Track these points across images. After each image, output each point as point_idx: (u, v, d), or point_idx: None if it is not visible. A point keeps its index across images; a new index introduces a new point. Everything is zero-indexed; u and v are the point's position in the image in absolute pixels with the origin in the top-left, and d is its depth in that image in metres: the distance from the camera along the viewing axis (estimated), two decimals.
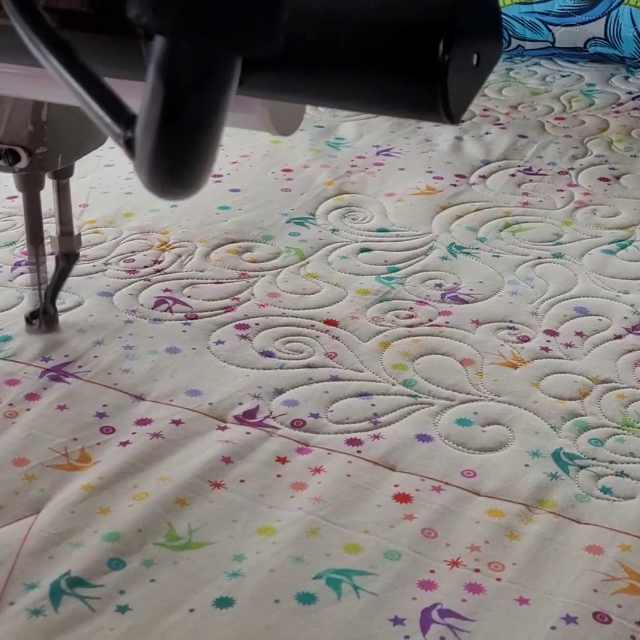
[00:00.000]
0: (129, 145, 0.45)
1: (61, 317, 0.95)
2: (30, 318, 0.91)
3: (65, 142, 0.84)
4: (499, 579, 0.67)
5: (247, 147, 1.33)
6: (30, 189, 0.87)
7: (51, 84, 0.46)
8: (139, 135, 0.44)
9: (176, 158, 0.44)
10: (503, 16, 1.64)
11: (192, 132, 0.44)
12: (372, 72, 0.44)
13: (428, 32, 0.42)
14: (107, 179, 1.25)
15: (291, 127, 0.54)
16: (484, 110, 1.47)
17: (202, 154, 0.45)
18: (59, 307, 0.97)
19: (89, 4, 0.48)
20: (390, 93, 0.45)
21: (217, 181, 1.23)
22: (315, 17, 0.44)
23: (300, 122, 0.54)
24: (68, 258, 0.92)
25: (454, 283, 1.03)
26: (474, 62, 0.45)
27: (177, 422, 0.81)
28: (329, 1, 0.44)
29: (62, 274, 0.92)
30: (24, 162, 0.81)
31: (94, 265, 1.05)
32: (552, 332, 0.95)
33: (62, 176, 0.90)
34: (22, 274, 1.03)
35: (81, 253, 1.07)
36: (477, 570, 0.68)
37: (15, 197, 1.19)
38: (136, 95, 0.45)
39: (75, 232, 0.92)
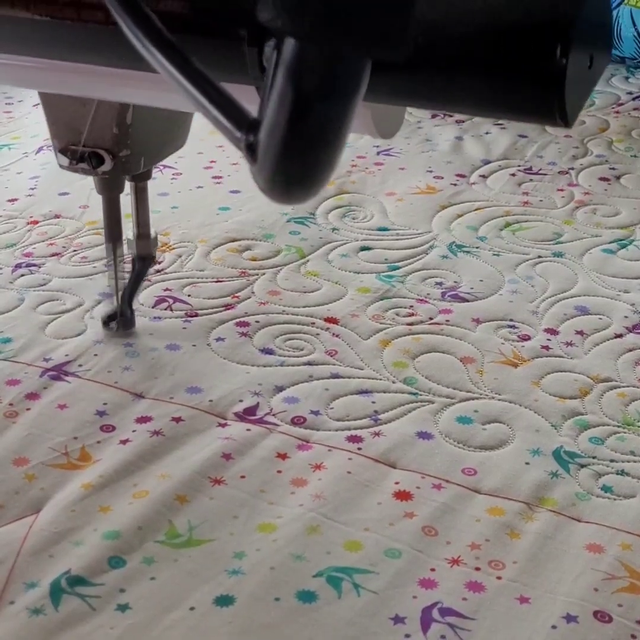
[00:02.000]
0: (250, 150, 0.44)
1: (61, 318, 0.95)
2: (108, 321, 0.90)
3: (147, 145, 0.82)
4: (499, 578, 0.67)
5: None
6: (110, 191, 0.85)
7: (138, 86, 0.46)
8: (263, 140, 0.43)
9: (301, 163, 0.44)
10: None
11: (319, 138, 0.43)
12: (494, 75, 0.44)
13: (546, 35, 0.42)
14: None
15: (392, 130, 0.53)
16: None
17: (326, 159, 0.44)
18: (59, 308, 0.97)
19: (189, 6, 0.48)
20: (504, 96, 0.44)
21: (218, 183, 1.23)
22: (440, 21, 0.44)
23: (400, 125, 0.54)
24: (144, 261, 0.91)
25: (455, 281, 1.03)
26: (588, 64, 0.45)
27: (177, 420, 0.81)
28: (452, 6, 0.44)
29: (138, 277, 0.91)
30: (107, 165, 0.80)
31: (94, 267, 1.05)
32: (552, 331, 0.95)
33: (141, 179, 0.88)
34: (22, 275, 1.03)
35: (82, 254, 1.07)
36: (477, 569, 0.67)
37: (16, 199, 1.20)
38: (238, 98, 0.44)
39: (152, 235, 0.91)
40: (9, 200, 1.19)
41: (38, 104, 1.47)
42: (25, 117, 1.45)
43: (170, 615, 0.64)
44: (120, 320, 0.90)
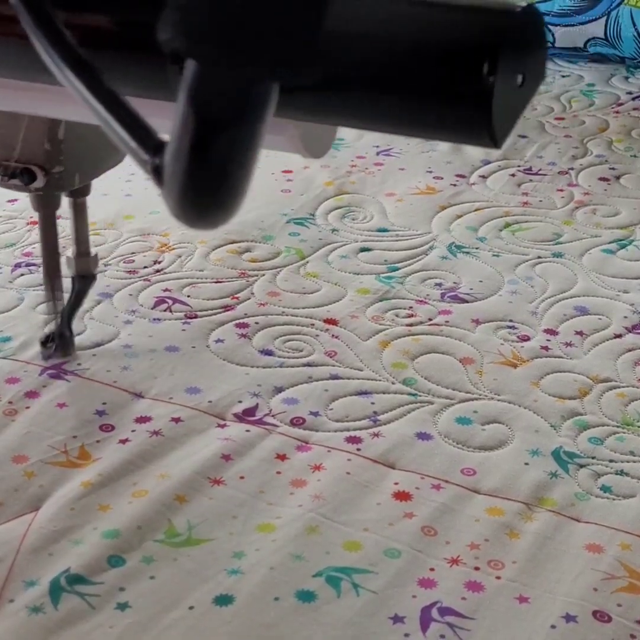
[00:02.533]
0: (156, 173, 0.42)
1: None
2: (45, 342, 0.88)
3: (83, 160, 0.81)
4: (498, 577, 0.67)
5: None
6: (45, 208, 0.84)
7: (69, 102, 0.44)
8: (168, 164, 0.42)
9: (207, 191, 0.42)
10: None
11: (225, 165, 0.41)
12: (414, 95, 0.42)
13: (472, 54, 0.40)
14: (106, 181, 1.24)
15: (323, 149, 0.52)
16: None
17: (234, 186, 0.42)
18: (58, 308, 0.97)
19: (111, 21, 0.46)
20: (430, 116, 0.43)
21: None
22: (354, 40, 0.42)
23: (331, 144, 0.52)
24: (84, 280, 0.89)
25: (454, 282, 1.03)
26: (519, 83, 0.43)
27: (176, 420, 0.81)
28: (368, 24, 0.42)
29: (78, 296, 0.89)
30: (40, 182, 0.78)
31: None
32: (552, 331, 0.95)
33: (79, 195, 0.87)
34: (22, 275, 1.03)
35: None
36: (477, 569, 0.68)
37: (16, 200, 1.19)
38: (158, 114, 0.43)
39: (92, 253, 0.89)
40: (9, 201, 1.19)
41: None
42: None
43: (169, 614, 0.64)
44: (58, 342, 0.87)
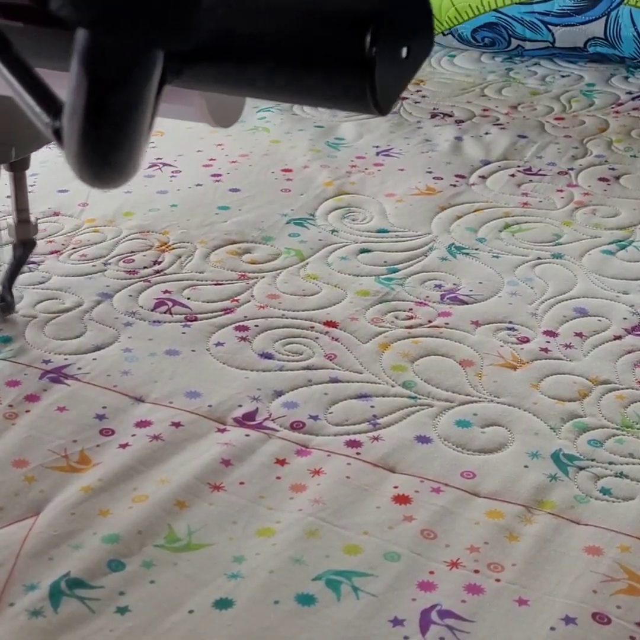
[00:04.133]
0: (57, 135, 0.46)
1: (60, 318, 0.95)
2: None
3: (17, 134, 0.82)
4: (498, 580, 0.67)
5: (246, 147, 1.33)
6: None
7: None
8: (66, 126, 0.45)
9: (102, 149, 0.46)
10: (503, 16, 1.64)
11: (117, 125, 0.45)
12: (300, 65, 0.45)
13: (355, 26, 0.43)
14: None
15: (230, 119, 0.55)
16: (484, 110, 1.47)
17: (127, 145, 0.46)
18: (58, 307, 0.97)
19: None
20: (318, 85, 0.46)
21: (217, 180, 1.23)
22: (241, 9, 0.45)
23: (239, 114, 0.55)
24: (25, 246, 0.93)
25: (454, 284, 1.03)
26: (404, 55, 0.46)
27: (176, 425, 0.81)
28: None
29: (19, 262, 0.93)
30: None
31: (93, 265, 1.04)
32: (551, 333, 0.95)
33: (19, 168, 0.89)
34: (21, 273, 1.03)
35: (81, 252, 1.07)
36: (476, 571, 0.68)
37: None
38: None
39: (32, 220, 0.93)
40: (8, 197, 1.19)
41: None
42: None
43: (169, 618, 0.64)
44: (0, 305, 0.92)
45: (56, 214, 1.15)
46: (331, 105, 0.49)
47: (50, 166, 1.27)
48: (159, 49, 0.44)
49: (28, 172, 1.25)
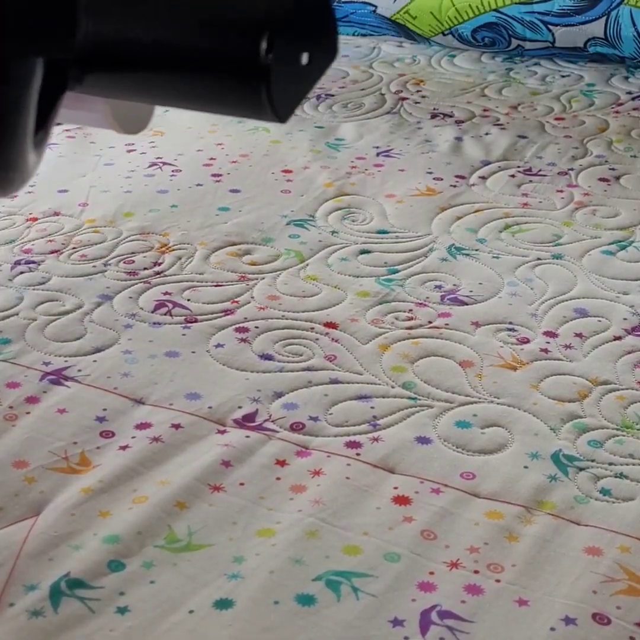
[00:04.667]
0: None
1: (60, 320, 0.95)
2: None
3: None
4: (498, 581, 0.67)
5: (247, 147, 1.33)
6: None
7: None
8: None
9: None
10: (503, 16, 1.64)
11: None
12: (197, 72, 0.45)
13: (251, 32, 0.42)
14: (106, 178, 1.25)
15: (138, 126, 0.54)
16: (484, 110, 1.47)
17: (5, 158, 0.44)
18: (58, 309, 0.97)
19: None
20: (216, 92, 0.45)
21: (217, 181, 1.23)
22: (136, 16, 0.44)
23: (148, 121, 0.55)
24: None
25: (454, 285, 1.03)
26: (305, 61, 0.45)
27: (176, 426, 0.81)
28: (144, 1, 0.44)
29: None
30: None
31: (94, 266, 1.05)
32: (551, 334, 0.95)
33: None
34: (21, 273, 1.03)
35: (81, 252, 1.07)
36: (476, 572, 0.68)
37: (15, 195, 1.19)
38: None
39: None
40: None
41: None
42: None
43: (169, 618, 0.64)
44: None
45: (56, 213, 1.15)
46: (230, 112, 0.48)
47: (50, 166, 1.27)
48: (34, 56, 0.43)
49: None
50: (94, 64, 0.45)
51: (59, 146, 1.34)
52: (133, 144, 1.34)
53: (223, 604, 0.65)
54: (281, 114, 0.44)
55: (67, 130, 1.39)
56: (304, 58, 0.45)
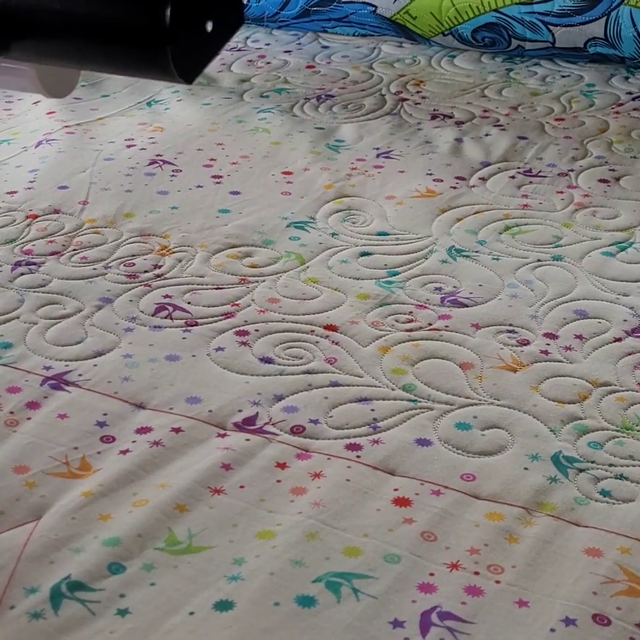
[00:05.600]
0: None
1: (61, 324, 0.95)
2: None
3: None
4: (498, 582, 0.67)
5: (247, 148, 1.33)
6: None
7: None
8: None
9: None
10: (503, 16, 1.64)
11: None
12: (108, 38, 0.50)
13: (155, 0, 0.48)
14: (106, 174, 1.25)
15: (64, 90, 0.59)
16: (484, 111, 1.47)
17: None
18: (58, 312, 0.97)
19: None
20: (127, 56, 0.50)
21: (217, 182, 1.24)
22: None
23: (73, 86, 0.60)
24: None
25: (454, 286, 1.03)
26: (209, 29, 0.51)
27: (177, 430, 0.81)
28: None
29: None
30: None
31: (94, 268, 1.05)
32: (551, 335, 0.95)
33: None
34: (22, 274, 1.03)
35: (82, 254, 1.07)
36: (476, 573, 0.68)
37: (15, 192, 1.20)
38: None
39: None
40: (9, 193, 1.19)
41: (38, 101, 1.48)
42: (25, 113, 1.45)
43: (170, 619, 0.64)
44: None
45: (56, 211, 1.15)
46: (141, 74, 0.53)
47: (50, 161, 1.27)
48: None
49: (28, 168, 1.26)
50: (19, 31, 0.49)
51: (58, 142, 1.34)
52: (133, 139, 1.35)
53: (223, 605, 0.65)
54: (186, 77, 0.50)
55: (66, 126, 1.39)
56: (209, 26, 0.50)
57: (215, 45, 0.52)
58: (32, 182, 1.22)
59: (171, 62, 0.49)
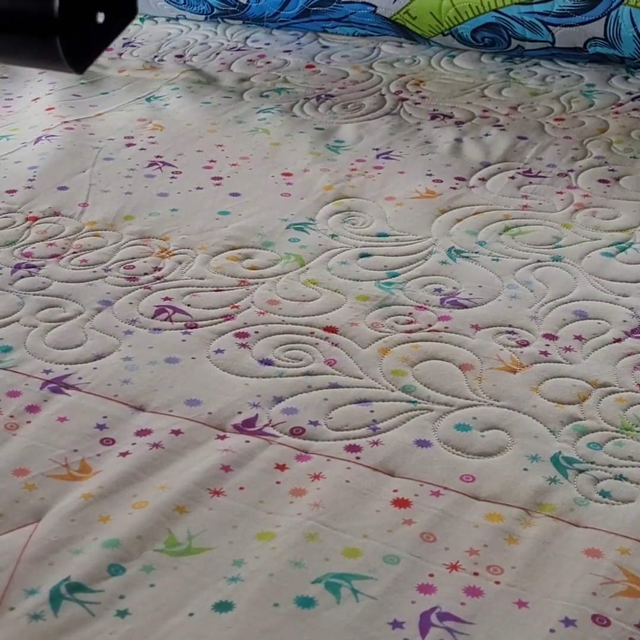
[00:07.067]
0: None
1: (60, 327, 0.95)
2: None
3: None
4: (497, 582, 0.68)
5: (247, 149, 1.33)
6: None
7: None
8: None
9: None
10: (503, 16, 1.64)
11: None
12: (2, 29, 0.52)
13: None
14: (106, 175, 1.25)
15: None
16: (484, 111, 1.47)
17: None
18: (58, 315, 0.97)
19: None
20: (20, 47, 0.53)
21: (217, 184, 1.24)
22: None
23: None
24: None
25: (454, 288, 1.03)
26: (101, 20, 0.53)
27: (176, 432, 0.81)
28: None
29: None
30: None
31: (94, 271, 1.05)
32: (551, 336, 0.95)
33: None
34: (22, 277, 1.03)
35: (82, 257, 1.07)
36: (476, 574, 0.68)
37: (15, 191, 1.20)
38: None
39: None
40: (8, 192, 1.19)
41: (37, 98, 1.48)
42: (25, 110, 1.45)
43: (169, 621, 0.64)
44: None
45: (56, 213, 1.15)
46: (34, 64, 0.56)
47: (50, 159, 1.27)
48: None
49: (27, 164, 1.26)
50: None
51: (57, 138, 1.34)
52: (132, 137, 1.35)
53: (223, 606, 0.65)
54: (76, 66, 0.52)
55: (65, 122, 1.39)
56: (100, 17, 0.53)
57: (107, 36, 0.55)
58: (31, 180, 1.22)
59: (61, 51, 0.51)
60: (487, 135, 1.39)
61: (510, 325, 0.96)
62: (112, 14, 0.54)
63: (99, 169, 1.26)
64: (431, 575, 0.68)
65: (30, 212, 1.15)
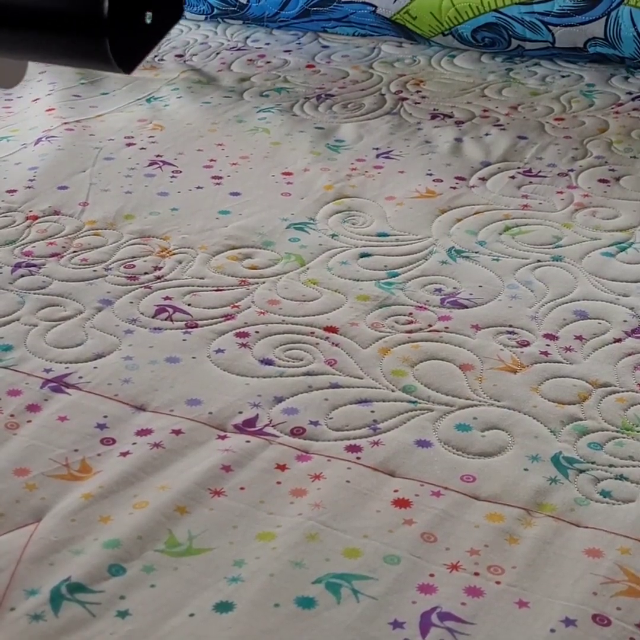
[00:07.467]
0: None
1: (61, 326, 0.95)
2: None
3: None
4: (498, 582, 0.68)
5: (247, 148, 1.33)
6: None
7: None
8: None
9: None
10: (503, 16, 1.64)
11: None
12: (49, 28, 0.52)
13: None
14: (106, 174, 1.25)
15: (12, 81, 0.63)
16: (484, 111, 1.47)
17: None
18: (59, 314, 0.97)
19: None
20: (68, 47, 0.53)
21: (217, 184, 1.24)
22: None
23: (22, 76, 0.64)
24: None
25: (454, 288, 1.03)
26: (148, 20, 0.54)
27: (177, 432, 0.81)
28: None
29: None
30: None
31: (94, 270, 1.05)
32: (551, 336, 0.95)
33: None
34: (22, 276, 1.03)
35: (82, 256, 1.07)
36: (476, 574, 0.68)
37: (15, 191, 1.20)
38: None
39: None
40: (8, 191, 1.19)
41: (38, 99, 1.48)
42: (25, 111, 1.45)
43: (170, 621, 0.65)
44: None
45: (56, 212, 1.15)
46: (82, 64, 0.56)
47: (50, 159, 1.27)
48: None
49: (27, 165, 1.26)
50: None
51: (57, 139, 1.34)
52: (132, 137, 1.35)
53: (223, 607, 0.65)
54: (125, 66, 0.52)
55: (65, 123, 1.39)
56: (148, 17, 0.53)
57: (154, 36, 0.55)
58: (31, 180, 1.22)
59: (110, 51, 0.51)
60: (487, 134, 1.39)
61: (510, 325, 0.96)
62: (159, 14, 0.55)
63: (99, 169, 1.26)
64: (432, 575, 0.68)
65: (30, 211, 1.15)
